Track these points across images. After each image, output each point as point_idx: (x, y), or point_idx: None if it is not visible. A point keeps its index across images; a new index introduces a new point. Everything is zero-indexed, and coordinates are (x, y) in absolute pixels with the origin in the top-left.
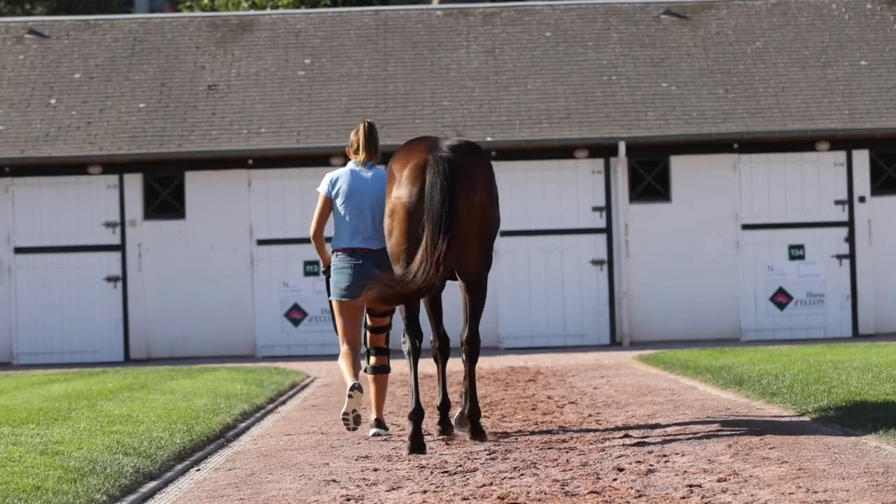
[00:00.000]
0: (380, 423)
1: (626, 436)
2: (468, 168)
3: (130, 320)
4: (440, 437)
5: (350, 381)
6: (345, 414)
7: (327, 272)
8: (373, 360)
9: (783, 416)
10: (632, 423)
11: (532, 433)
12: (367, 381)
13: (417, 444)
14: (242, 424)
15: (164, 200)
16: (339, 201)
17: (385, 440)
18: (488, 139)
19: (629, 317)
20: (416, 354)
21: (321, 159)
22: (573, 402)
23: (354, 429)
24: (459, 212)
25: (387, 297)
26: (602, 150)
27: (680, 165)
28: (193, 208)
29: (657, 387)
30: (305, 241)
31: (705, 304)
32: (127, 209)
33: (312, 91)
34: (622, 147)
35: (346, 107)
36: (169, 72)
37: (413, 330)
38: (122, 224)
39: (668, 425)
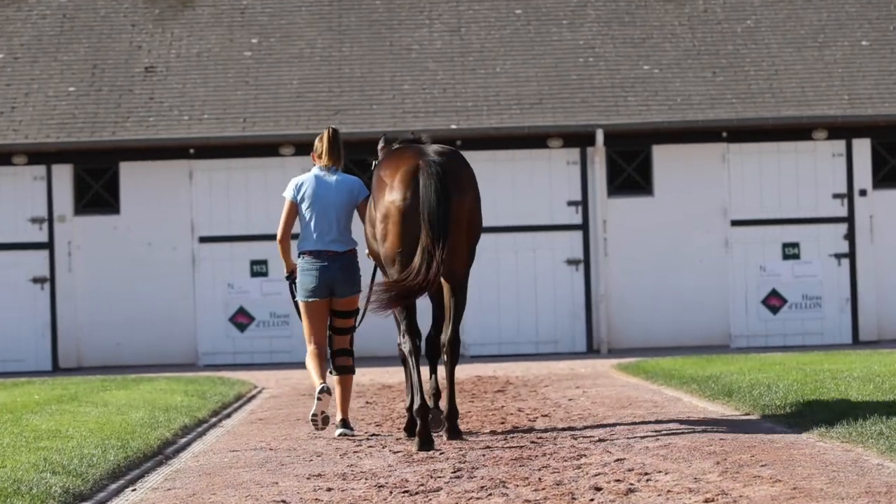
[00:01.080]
0: (345, 423)
1: (605, 452)
2: (457, 173)
3: (59, 325)
4: (408, 439)
5: (318, 384)
6: (314, 415)
7: (290, 277)
8: (339, 360)
9: (776, 431)
10: (610, 437)
11: (501, 448)
12: (333, 382)
13: (426, 441)
14: (183, 440)
15: (97, 194)
16: (304, 206)
17: (342, 455)
18: (453, 126)
19: (607, 321)
20: (416, 353)
21: (270, 149)
22: (546, 415)
23: (323, 429)
24: (452, 214)
25: (390, 300)
26: (578, 138)
27: (663, 156)
28: (129, 202)
29: (638, 398)
30: (252, 238)
31: (691, 308)
32: (55, 203)
33: (260, 74)
34: (600, 135)
35: (297, 91)
36: (102, 52)
37: (412, 330)
38: (50, 220)
39: (651, 440)
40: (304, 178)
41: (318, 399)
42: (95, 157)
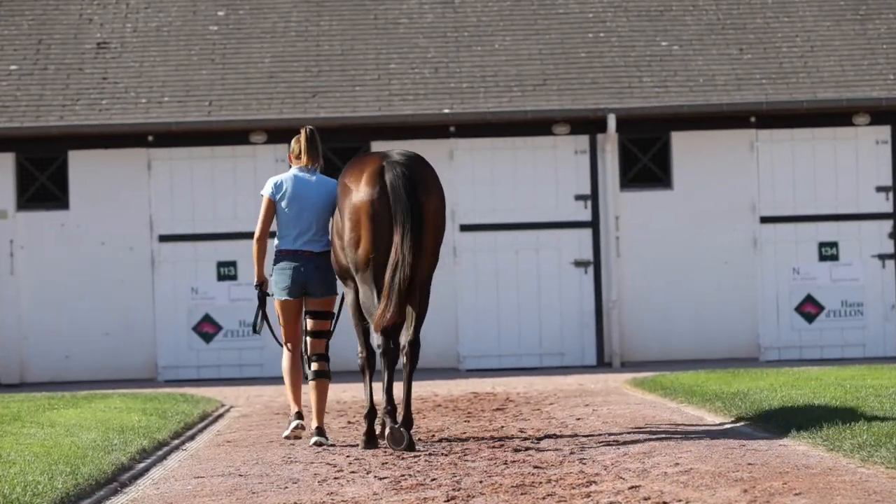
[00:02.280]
0: (321, 431)
1: (618, 478)
2: (421, 174)
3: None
4: (366, 448)
5: (294, 408)
6: (286, 436)
7: (260, 287)
8: (314, 365)
9: (812, 455)
10: (624, 461)
11: (501, 474)
12: (310, 387)
13: (397, 438)
14: (141, 465)
15: (43, 186)
16: (283, 204)
17: (321, 481)
18: (445, 111)
19: (620, 331)
20: (373, 366)
21: (238, 135)
22: (552, 437)
23: (299, 438)
24: (423, 210)
25: (388, 321)
26: (587, 124)
27: (683, 144)
28: (79, 196)
29: (655, 418)
30: (219, 237)
31: (715, 316)
32: None
33: (227, 51)
34: (612, 121)
35: (270, 70)
36: (48, 25)
37: (369, 343)
38: None
39: (669, 465)
40: (283, 177)
41: (296, 426)
42: (41, 145)
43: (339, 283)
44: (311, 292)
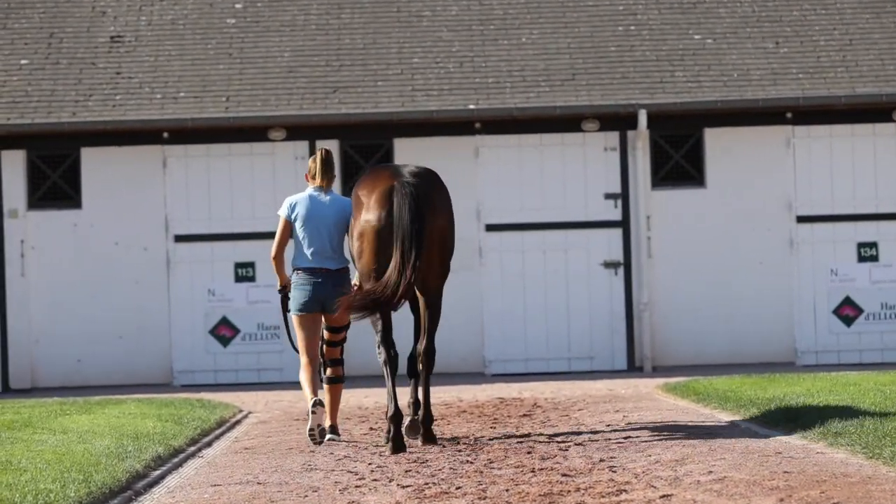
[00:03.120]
0: (333, 429)
1: (649, 486)
2: (430, 194)
3: (10, 339)
4: (391, 453)
5: (311, 398)
6: (311, 430)
7: (283, 290)
8: (329, 371)
9: (850, 463)
10: (656, 469)
11: (528, 483)
12: (324, 390)
13: (398, 445)
14: (156, 473)
15: (55, 185)
16: (298, 224)
17: (342, 490)
18: (471, 107)
19: (651, 335)
20: (392, 364)
21: (257, 132)
22: (580, 444)
23: (321, 443)
24: (425, 233)
25: (359, 305)
26: (617, 120)
27: (717, 140)
28: (92, 195)
29: (688, 424)
30: (237, 237)
31: (750, 319)
32: (5, 196)
33: (245, 45)
34: (643, 117)
35: (289, 65)
36: (59, 18)
37: (387, 342)
38: (0, 215)
39: (702, 473)
40: (297, 197)
41: (313, 413)
42: (53, 142)
43: None
44: (328, 308)
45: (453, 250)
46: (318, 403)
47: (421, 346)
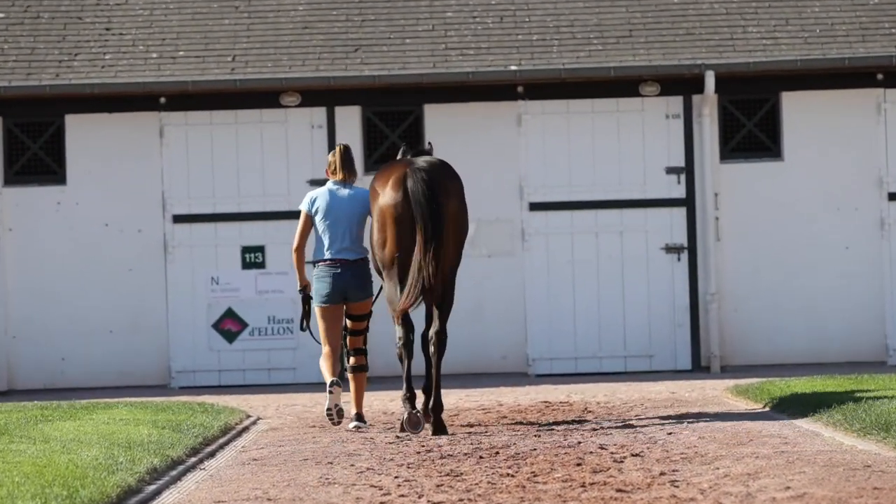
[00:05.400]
0: (360, 416)
1: None
2: (442, 180)
3: None
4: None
5: (329, 379)
6: (328, 409)
7: (304, 290)
8: (352, 360)
9: None
10: (724, 485)
11: (577, 499)
12: (349, 380)
13: (414, 422)
14: (151, 487)
15: (35, 157)
16: (318, 218)
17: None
18: (512, 68)
19: (720, 329)
20: (409, 347)
21: (267, 97)
22: (637, 455)
23: (338, 423)
24: (442, 211)
25: (413, 297)
26: (681, 83)
27: (796, 106)
28: (78, 169)
29: (761, 432)
30: (244, 217)
31: (833, 312)
32: None
33: None
34: (710, 79)
35: (304, 20)
36: None
37: (406, 323)
38: None
39: (778, 489)
40: (318, 192)
41: (330, 392)
42: (32, 109)
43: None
44: (350, 297)
45: (465, 238)
46: (335, 383)
47: (433, 330)
